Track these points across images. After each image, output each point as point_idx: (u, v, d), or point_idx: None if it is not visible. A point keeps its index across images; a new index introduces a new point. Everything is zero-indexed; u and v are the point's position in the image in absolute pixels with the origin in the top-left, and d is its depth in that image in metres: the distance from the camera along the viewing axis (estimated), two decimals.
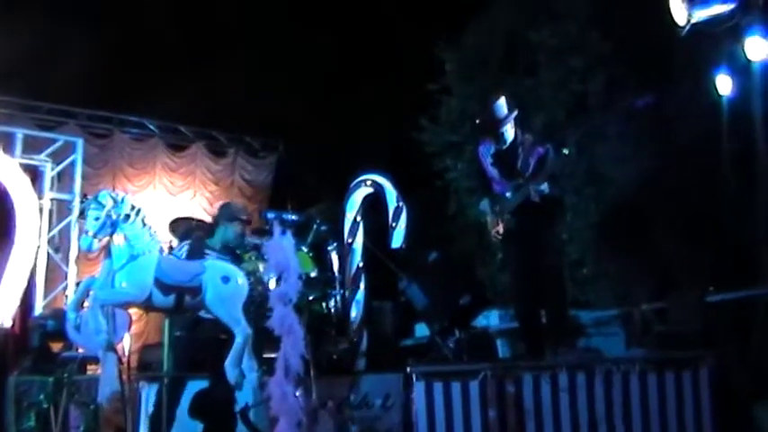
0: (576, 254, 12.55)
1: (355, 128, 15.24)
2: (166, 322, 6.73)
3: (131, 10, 14.61)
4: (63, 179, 13.85)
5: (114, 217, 6.29)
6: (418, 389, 6.72)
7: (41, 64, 13.23)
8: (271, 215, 9.61)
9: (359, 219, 9.25)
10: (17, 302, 10.95)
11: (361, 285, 9.11)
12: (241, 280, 6.75)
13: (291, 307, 5.94)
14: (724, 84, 9.49)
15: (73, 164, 13.86)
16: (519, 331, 8.60)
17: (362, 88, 15.54)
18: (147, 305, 6.53)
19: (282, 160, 16.67)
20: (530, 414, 6.71)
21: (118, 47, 14.43)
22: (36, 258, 12.00)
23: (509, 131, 7.87)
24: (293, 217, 9.71)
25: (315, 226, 9.79)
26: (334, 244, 9.74)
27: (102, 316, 6.25)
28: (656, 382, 6.91)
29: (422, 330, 10.83)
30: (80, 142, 14.13)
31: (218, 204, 10.22)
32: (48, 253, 13.19)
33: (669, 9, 8.76)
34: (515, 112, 7.90)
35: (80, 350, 9.08)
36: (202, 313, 6.94)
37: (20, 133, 13.25)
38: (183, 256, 7.42)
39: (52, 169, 13.53)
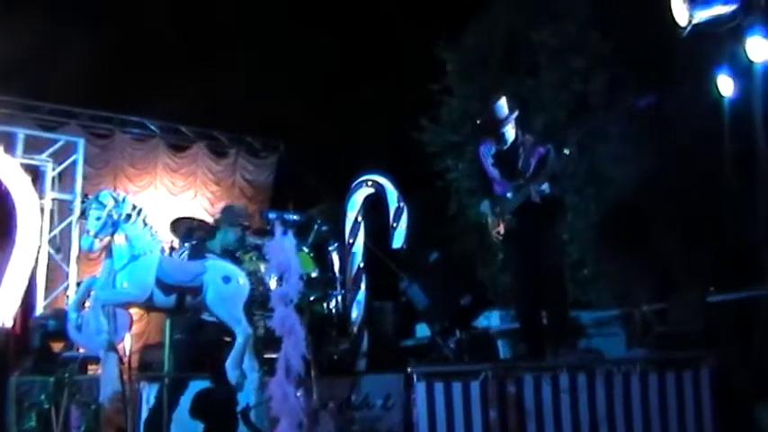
0: (577, 254, 12.55)
1: (356, 128, 15.24)
2: (167, 322, 6.73)
3: (132, 10, 14.61)
4: (64, 179, 13.85)
5: (115, 217, 6.30)
6: (419, 389, 6.72)
7: (42, 64, 13.23)
8: (272, 215, 9.62)
9: (360, 219, 9.25)
10: (18, 302, 10.95)
11: (362, 286, 9.11)
12: (242, 280, 6.76)
13: (292, 307, 5.93)
14: (725, 84, 9.48)
15: (74, 164, 13.86)
16: (520, 332, 8.60)
17: (363, 88, 15.54)
18: (149, 305, 6.54)
19: (283, 160, 16.67)
20: (531, 415, 6.71)
21: (119, 47, 14.43)
22: (37, 258, 12.00)
23: (510, 132, 7.87)
24: (294, 217, 9.72)
25: (316, 226, 9.80)
26: (335, 244, 9.75)
27: (104, 316, 6.26)
28: (657, 383, 6.90)
29: (423, 331, 10.84)
30: (81, 142, 14.13)
31: (219, 205, 10.24)
32: (49, 253, 13.19)
33: (670, 9, 8.76)
34: (516, 113, 7.90)
35: (81, 350, 9.08)
36: (205, 316, 6.95)
37: (21, 133, 13.25)
38: (185, 258, 7.44)
39: (53, 169, 13.53)
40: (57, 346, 10.11)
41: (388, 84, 14.91)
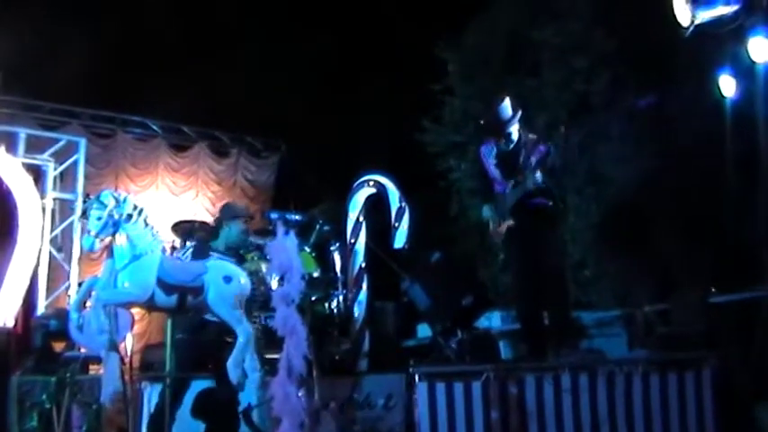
0: (578, 254, 12.54)
1: (357, 128, 15.24)
2: (169, 322, 6.72)
3: (133, 9, 14.61)
4: (66, 179, 13.84)
5: (117, 217, 6.29)
6: (421, 389, 6.71)
7: (44, 64, 13.23)
8: (274, 215, 9.62)
9: (361, 219, 9.25)
10: (19, 302, 10.94)
11: (364, 286, 9.12)
12: (243, 280, 6.76)
13: (294, 307, 5.93)
14: (727, 85, 9.48)
15: (75, 164, 13.85)
16: (521, 332, 8.59)
17: (364, 88, 15.53)
18: (150, 305, 6.54)
19: (285, 160, 16.68)
20: (532, 415, 6.70)
21: (120, 46, 14.43)
22: (38, 258, 11.99)
23: (515, 132, 7.87)
24: (296, 217, 9.71)
25: (317, 226, 9.80)
26: (337, 244, 9.75)
27: (105, 316, 6.25)
28: (659, 384, 6.89)
29: (424, 331, 10.84)
30: (83, 142, 14.12)
31: (220, 205, 10.22)
32: (50, 253, 13.19)
33: (673, 9, 8.75)
34: (520, 113, 7.89)
35: (82, 350, 9.09)
36: (208, 316, 6.95)
37: (23, 133, 13.24)
38: (188, 259, 7.44)
39: (55, 169, 13.52)
40: (58, 346, 10.12)
41: (390, 83, 14.90)
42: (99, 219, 6.23)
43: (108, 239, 6.33)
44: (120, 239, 6.32)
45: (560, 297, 7.99)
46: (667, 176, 10.86)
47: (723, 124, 9.87)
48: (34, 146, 13.42)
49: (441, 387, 6.70)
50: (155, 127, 15.85)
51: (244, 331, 6.49)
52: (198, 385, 7.26)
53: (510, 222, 7.82)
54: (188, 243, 9.15)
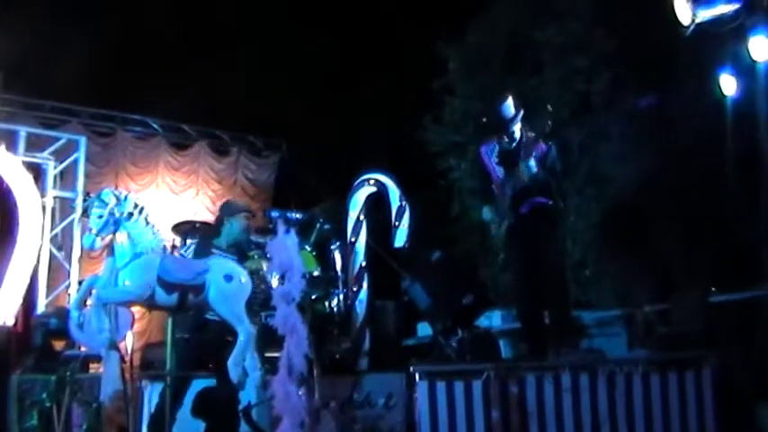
0: (578, 254, 12.54)
1: (358, 127, 15.24)
2: (169, 321, 6.72)
3: (134, 8, 14.61)
4: (66, 177, 13.84)
5: (117, 215, 6.29)
6: (421, 388, 6.71)
7: (44, 62, 13.24)
8: (274, 214, 9.61)
9: (362, 218, 9.26)
10: (20, 301, 10.94)
11: (364, 284, 9.12)
12: (244, 278, 6.75)
13: (295, 306, 5.92)
14: (728, 84, 9.48)
15: (76, 162, 13.84)
16: (522, 332, 8.59)
17: (365, 87, 15.54)
18: (151, 303, 6.53)
19: (285, 159, 16.67)
20: (533, 415, 6.70)
21: (121, 45, 14.44)
22: (39, 257, 11.99)
23: (517, 131, 7.86)
24: (297, 216, 9.71)
25: (318, 225, 9.79)
26: (338, 243, 9.74)
27: (105, 314, 6.25)
28: (659, 383, 6.90)
29: (424, 330, 10.84)
30: (83, 140, 14.11)
31: (220, 203, 10.21)
32: (50, 251, 13.18)
33: (673, 9, 8.75)
34: (522, 112, 7.88)
35: (83, 349, 9.09)
36: (209, 315, 6.95)
37: (23, 131, 13.24)
38: (190, 257, 7.43)
39: (55, 167, 13.51)
40: (58, 345, 10.12)
41: (390, 83, 14.92)
42: (100, 217, 6.22)
43: (109, 238, 6.32)
44: (121, 238, 6.31)
45: (561, 296, 7.99)
46: (668, 176, 10.86)
47: (724, 123, 9.87)
48: (34, 144, 13.42)
49: (441, 386, 6.70)
50: (155, 125, 15.85)
51: (244, 330, 6.48)
52: (198, 384, 7.26)
53: (510, 216, 7.81)
54: (188, 241, 9.14)
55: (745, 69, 9.14)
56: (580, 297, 11.79)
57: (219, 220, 7.92)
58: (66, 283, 13.31)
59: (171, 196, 15.76)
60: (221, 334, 6.99)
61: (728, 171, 10.01)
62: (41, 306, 12.50)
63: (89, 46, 13.28)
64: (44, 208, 12.28)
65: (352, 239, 9.21)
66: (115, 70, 14.56)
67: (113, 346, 6.38)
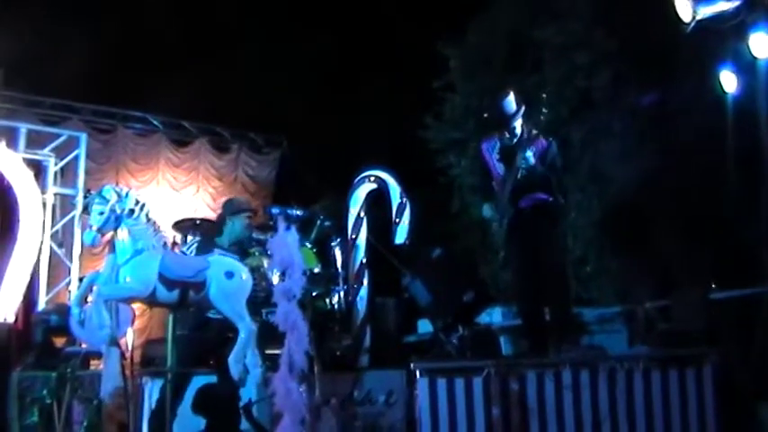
0: (579, 251, 12.53)
1: (359, 124, 15.23)
2: (170, 318, 6.72)
3: (135, 5, 14.60)
4: (66, 174, 13.85)
5: (118, 212, 6.27)
6: (422, 385, 6.72)
7: (45, 59, 13.23)
8: (275, 211, 9.60)
9: (362, 214, 9.25)
10: (20, 297, 10.97)
11: (365, 281, 9.11)
12: (245, 275, 6.74)
13: (295, 303, 5.93)
14: (729, 81, 9.48)
15: (76, 159, 13.86)
16: (522, 328, 8.59)
17: (365, 85, 15.52)
18: (151, 300, 6.52)
19: (286, 156, 16.68)
20: (533, 411, 6.70)
21: (121, 42, 14.43)
22: (39, 253, 12.01)
23: (518, 127, 7.86)
24: (297, 213, 9.70)
25: (318, 222, 9.78)
26: (338, 240, 9.73)
27: (106, 311, 6.23)
28: (660, 380, 6.88)
29: (425, 327, 10.83)
30: (83, 137, 14.13)
31: (221, 201, 10.22)
32: (51, 248, 13.19)
33: (674, 6, 8.75)
34: (523, 108, 7.88)
35: (83, 345, 9.08)
36: (211, 313, 6.95)
37: (23, 128, 13.25)
38: (192, 254, 7.43)
39: (56, 164, 13.53)
40: (59, 342, 10.12)
41: (390, 80, 14.91)
42: (101, 214, 6.21)
43: (109, 234, 6.31)
44: (122, 234, 6.30)
45: (561, 293, 7.98)
46: (669, 173, 10.85)
47: (724, 120, 9.86)
48: (35, 141, 13.43)
49: (442, 383, 6.71)
50: (155, 122, 15.85)
51: (245, 327, 6.48)
52: (199, 381, 7.26)
53: (510, 213, 7.81)
54: (189, 238, 9.14)
55: (746, 66, 9.14)
56: (581, 294, 11.78)
57: (222, 219, 7.92)
58: (67, 279, 13.33)
59: (171, 193, 15.78)
60: (222, 331, 6.99)
61: (729, 168, 9.99)
62: (42, 303, 12.51)
63: (89, 43, 13.28)
64: (45, 205, 12.32)
65: (353, 236, 9.20)
66: (116, 67, 14.55)
67: (114, 342, 6.37)
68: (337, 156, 13.83)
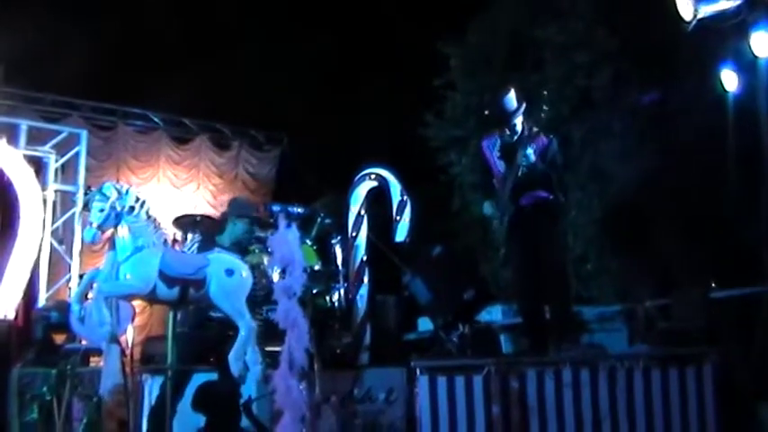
0: (580, 249, 12.53)
1: (359, 122, 15.24)
2: (170, 315, 6.71)
3: (136, 2, 14.60)
4: (67, 171, 13.83)
5: (119, 209, 6.27)
6: (422, 383, 6.71)
7: (45, 56, 13.21)
8: (276, 208, 9.61)
9: (363, 212, 9.27)
10: (20, 294, 10.96)
11: (365, 279, 9.14)
12: (245, 273, 6.73)
13: (296, 300, 5.92)
14: (730, 80, 9.48)
15: (77, 156, 13.84)
16: (522, 327, 8.58)
17: (366, 83, 15.53)
18: (152, 297, 6.51)
19: (286, 153, 16.68)
20: (533, 410, 6.69)
21: (122, 39, 14.43)
22: (40, 250, 12.00)
23: (519, 124, 7.85)
24: (298, 210, 9.71)
25: (319, 219, 9.78)
26: (339, 237, 9.74)
27: (106, 308, 6.23)
28: (660, 379, 6.87)
29: (425, 325, 10.84)
30: (84, 134, 14.11)
31: (222, 198, 10.23)
32: (51, 245, 13.17)
33: (675, 4, 8.74)
34: (524, 105, 7.87)
35: (83, 342, 9.08)
36: (213, 312, 6.95)
37: (24, 125, 13.23)
38: (193, 252, 7.43)
39: (56, 161, 13.50)
40: (59, 338, 10.11)
41: (391, 78, 14.91)
42: (101, 210, 6.21)
43: (110, 231, 6.30)
44: (122, 232, 6.29)
45: (562, 292, 7.97)
46: (669, 172, 10.85)
47: (725, 120, 9.87)
48: (35, 138, 13.42)
49: (442, 381, 6.70)
50: (156, 119, 15.86)
51: (245, 324, 6.48)
52: (199, 378, 7.26)
53: (511, 211, 7.80)
54: (189, 236, 9.14)
55: (747, 65, 9.15)
56: (581, 292, 11.79)
57: (225, 218, 7.92)
58: (67, 276, 13.32)
59: (172, 190, 15.78)
60: (222, 328, 6.99)
61: (730, 168, 10.00)
62: (42, 299, 12.50)
63: (90, 39, 13.28)
64: (45, 201, 12.30)
65: (353, 234, 9.22)
66: (116, 64, 14.55)
67: (114, 339, 6.37)
68: (338, 153, 13.84)
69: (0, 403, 8.46)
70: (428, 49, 14.22)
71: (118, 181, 12.00)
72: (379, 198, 9.48)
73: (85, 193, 12.26)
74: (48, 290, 12.95)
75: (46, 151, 13.36)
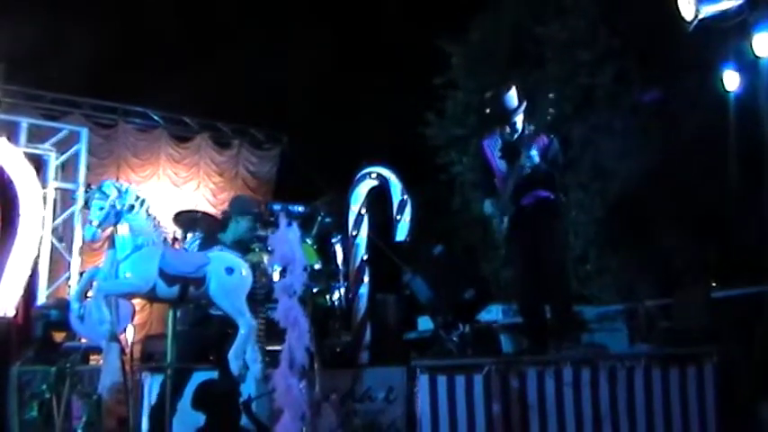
0: (580, 249, 12.53)
1: (360, 121, 15.23)
2: (170, 313, 6.70)
3: (137, 1, 14.61)
4: (67, 169, 13.85)
5: (118, 207, 6.26)
6: (422, 382, 6.71)
7: (46, 54, 13.22)
8: (276, 207, 9.59)
9: (363, 211, 9.24)
10: (20, 292, 10.95)
11: (366, 278, 9.11)
12: (245, 271, 6.72)
13: (296, 299, 5.91)
14: (731, 79, 9.48)
15: (77, 153, 13.86)
16: (523, 326, 8.57)
17: (367, 82, 15.52)
18: (151, 296, 6.50)
19: (286, 152, 16.67)
20: (533, 409, 6.68)
21: (123, 37, 14.44)
22: (39, 248, 11.99)
23: (519, 122, 7.83)
24: (298, 209, 9.69)
25: (319, 218, 9.77)
26: (339, 236, 9.73)
27: (106, 306, 6.22)
28: (661, 378, 6.86)
29: (425, 324, 10.82)
30: (84, 132, 14.13)
31: (222, 196, 10.22)
32: (51, 242, 13.18)
33: (677, 4, 8.73)
34: (525, 103, 7.85)
35: (83, 340, 9.09)
36: (213, 311, 6.94)
37: (24, 122, 13.25)
38: (195, 250, 7.42)
39: (56, 159, 13.53)
40: (59, 336, 10.12)
41: (392, 77, 14.91)
42: (101, 209, 6.19)
43: (110, 230, 6.30)
44: (122, 230, 6.28)
45: (562, 291, 7.95)
46: (670, 171, 10.84)
47: (726, 119, 9.86)
48: (36, 136, 13.43)
49: (442, 380, 6.70)
50: (156, 117, 15.86)
51: (245, 323, 6.47)
52: (199, 377, 7.25)
53: (510, 212, 7.78)
54: (189, 234, 9.12)
55: (749, 65, 9.14)
56: (582, 292, 11.78)
57: (228, 216, 7.90)
58: (67, 274, 13.33)
59: (172, 188, 15.79)
60: (222, 327, 6.98)
61: (730, 167, 9.99)
62: (42, 297, 12.51)
63: (91, 38, 13.27)
64: (45, 199, 12.30)
65: (354, 233, 9.19)
66: (117, 62, 14.57)
67: (114, 337, 6.35)
68: (338, 152, 13.82)
69: (0, 401, 8.45)
70: (429, 47, 14.22)
71: (118, 179, 12.04)
72: (379, 197, 9.45)
73: (86, 191, 12.23)
74: (47, 288, 12.97)
75: (46, 149, 13.38)
